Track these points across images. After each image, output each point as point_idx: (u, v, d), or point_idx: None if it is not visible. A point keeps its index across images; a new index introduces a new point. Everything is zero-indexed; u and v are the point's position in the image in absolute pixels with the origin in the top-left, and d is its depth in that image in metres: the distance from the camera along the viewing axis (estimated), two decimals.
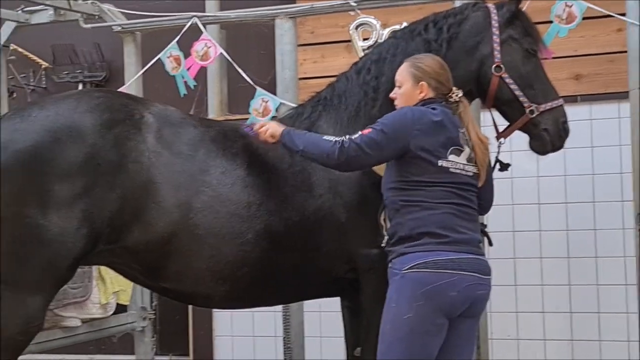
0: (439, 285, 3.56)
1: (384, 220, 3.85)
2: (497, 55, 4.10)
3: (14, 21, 6.10)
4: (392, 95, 3.89)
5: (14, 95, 7.29)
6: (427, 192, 3.65)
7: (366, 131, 3.68)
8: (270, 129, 3.89)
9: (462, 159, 3.71)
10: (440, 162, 3.65)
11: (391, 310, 3.62)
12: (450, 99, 3.80)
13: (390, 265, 3.69)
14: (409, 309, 3.56)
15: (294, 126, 4.11)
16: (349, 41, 5.44)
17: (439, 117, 3.68)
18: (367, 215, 3.97)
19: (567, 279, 6.28)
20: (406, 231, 3.64)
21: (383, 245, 3.78)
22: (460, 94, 3.82)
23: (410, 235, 3.63)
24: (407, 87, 3.82)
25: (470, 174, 3.74)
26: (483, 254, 3.75)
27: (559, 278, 6.28)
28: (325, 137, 3.77)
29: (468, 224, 3.70)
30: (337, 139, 3.71)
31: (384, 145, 3.65)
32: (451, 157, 3.68)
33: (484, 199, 3.89)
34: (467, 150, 3.73)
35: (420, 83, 3.78)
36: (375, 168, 3.86)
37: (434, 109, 3.72)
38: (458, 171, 3.69)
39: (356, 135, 3.68)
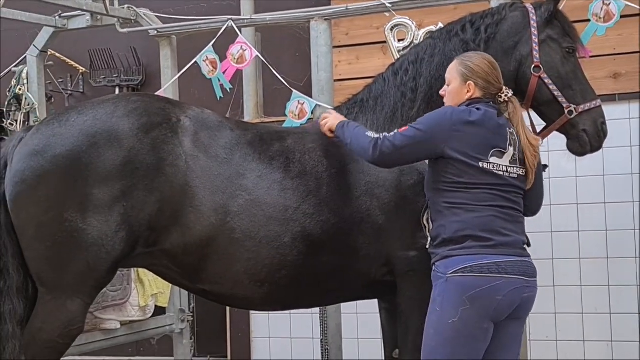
0: (484, 289, 3.53)
1: (427, 220, 3.83)
2: (536, 55, 4.07)
3: (52, 27, 6.15)
4: (441, 92, 3.87)
5: (52, 100, 7.36)
6: (469, 194, 3.62)
7: (403, 129, 3.70)
8: (329, 122, 3.96)
9: (504, 160, 3.67)
10: (481, 164, 3.62)
11: (435, 314, 3.60)
12: (500, 99, 3.77)
13: (434, 267, 3.67)
14: (454, 313, 3.54)
15: None
16: (384, 42, 5.43)
17: (475, 117, 3.65)
18: (404, 217, 3.95)
19: (606, 279, 6.22)
20: (449, 234, 3.62)
21: (427, 246, 3.76)
22: (510, 94, 3.78)
23: (454, 238, 3.60)
24: (455, 85, 3.79)
25: (515, 175, 3.69)
26: (528, 256, 3.72)
27: (598, 278, 6.23)
28: (367, 133, 3.78)
29: (512, 226, 3.67)
30: (375, 135, 3.73)
31: (419, 143, 3.65)
32: (492, 159, 3.64)
33: (531, 201, 3.84)
34: (510, 151, 3.68)
35: (468, 82, 3.75)
36: None
37: (478, 109, 3.69)
38: (501, 173, 3.66)
39: (392, 133, 3.69)
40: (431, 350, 3.61)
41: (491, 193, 3.63)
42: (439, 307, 3.58)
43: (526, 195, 3.78)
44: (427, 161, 3.77)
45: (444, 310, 3.57)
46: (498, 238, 3.60)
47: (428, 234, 3.79)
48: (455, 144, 3.62)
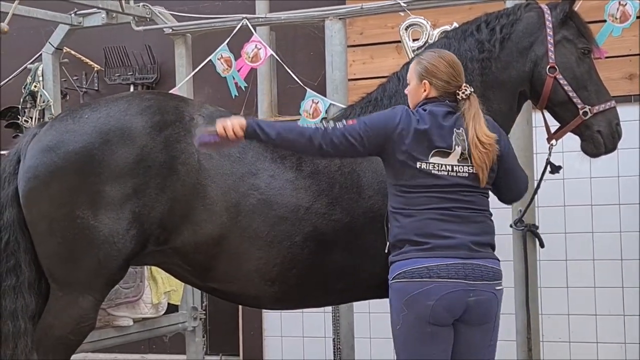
0: (415, 295, 3.50)
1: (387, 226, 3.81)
2: (552, 56, 4.06)
3: (67, 24, 6.17)
4: (405, 91, 3.84)
5: (67, 97, 7.38)
6: (406, 198, 3.57)
7: (351, 121, 3.64)
8: (235, 123, 3.64)
9: (451, 160, 3.58)
10: (419, 164, 3.56)
11: (391, 322, 3.63)
12: (458, 97, 3.68)
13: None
14: (398, 319, 3.57)
15: None
16: (398, 42, 5.43)
17: (420, 119, 3.59)
18: None
19: (619, 281, 6.20)
20: (391, 240, 3.62)
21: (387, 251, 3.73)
22: (469, 91, 3.69)
23: (395, 244, 3.60)
24: (412, 85, 3.75)
25: (466, 174, 3.59)
26: (481, 257, 3.58)
27: (612, 280, 6.20)
28: (303, 125, 3.68)
29: (458, 227, 3.56)
30: (318, 125, 3.64)
31: (365, 138, 3.59)
32: (433, 159, 3.56)
33: (506, 190, 3.78)
34: (458, 150, 3.58)
35: (423, 81, 3.70)
36: None
37: (424, 109, 3.63)
38: (444, 173, 3.56)
39: (341, 124, 3.62)
40: (397, 354, 3.64)
41: (429, 195, 3.55)
42: (390, 314, 3.61)
43: (496, 186, 3.72)
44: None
45: (392, 317, 3.60)
46: (435, 241, 3.52)
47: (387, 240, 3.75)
48: (398, 145, 3.57)
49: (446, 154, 3.57)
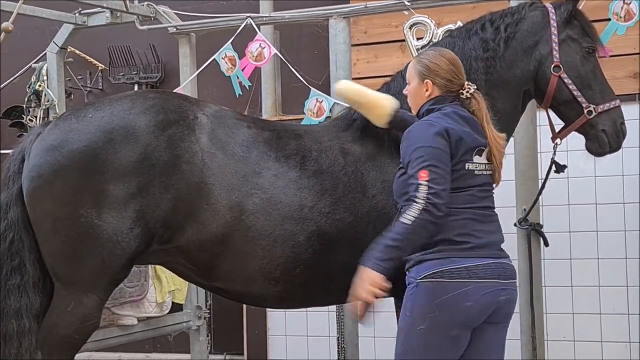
0: (453, 296, 3.41)
1: None
2: (556, 55, 4.07)
3: (72, 24, 6.17)
4: (404, 91, 3.81)
5: (72, 96, 7.38)
6: (450, 197, 3.46)
7: (424, 174, 3.40)
8: (370, 285, 3.40)
9: (483, 158, 3.58)
10: (467, 166, 3.52)
11: (405, 320, 3.51)
12: (462, 96, 3.65)
13: (407, 273, 3.56)
14: (422, 320, 3.44)
15: (350, 126, 4.12)
16: (402, 41, 5.42)
17: (462, 127, 3.52)
18: None
19: (624, 280, 6.19)
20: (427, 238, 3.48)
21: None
22: (472, 90, 3.66)
23: (428, 242, 3.47)
24: (414, 85, 3.69)
25: (489, 172, 3.60)
26: (506, 257, 3.59)
27: (616, 279, 6.19)
28: (404, 217, 3.40)
29: (488, 227, 3.56)
30: (414, 204, 3.38)
31: (445, 173, 3.45)
32: (476, 159, 3.55)
33: None
34: (487, 149, 3.59)
35: (425, 81, 3.64)
36: None
37: (445, 112, 3.56)
38: (479, 173, 3.56)
39: (424, 185, 3.39)
40: (400, 355, 3.52)
41: (470, 194, 3.53)
42: (409, 312, 3.48)
43: None
44: (399, 172, 3.61)
45: (414, 317, 3.46)
46: (473, 241, 3.48)
47: None
48: (454, 155, 3.50)
49: (481, 152, 3.58)
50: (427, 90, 3.66)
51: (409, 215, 3.38)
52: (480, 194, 3.57)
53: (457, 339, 3.48)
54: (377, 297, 3.42)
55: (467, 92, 3.65)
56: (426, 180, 3.39)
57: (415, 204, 3.38)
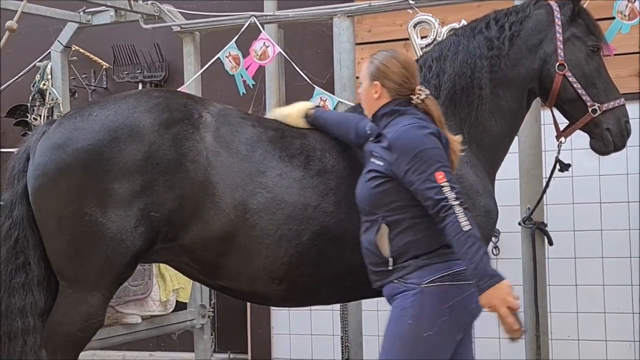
0: (461, 299, 3.35)
1: (385, 240, 3.51)
2: (561, 53, 4.07)
3: (76, 22, 6.18)
4: (358, 91, 3.74)
5: (76, 95, 7.40)
6: None
7: (440, 176, 3.32)
8: (498, 298, 3.22)
9: None
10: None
11: (405, 327, 3.38)
12: (412, 101, 3.52)
13: (399, 280, 3.45)
14: (430, 325, 3.33)
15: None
16: (407, 39, 5.43)
17: (432, 126, 3.45)
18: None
19: (628, 279, 6.20)
20: (423, 247, 3.41)
21: (390, 268, 3.48)
22: (424, 95, 3.53)
23: (428, 250, 3.40)
24: (365, 85, 3.60)
25: None
26: None
27: (621, 278, 6.20)
28: (461, 223, 3.27)
29: None
30: (454, 208, 3.28)
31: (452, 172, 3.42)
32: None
33: None
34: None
35: (374, 82, 3.54)
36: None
37: (421, 117, 3.46)
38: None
39: (448, 189, 3.30)
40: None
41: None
42: (412, 319, 3.35)
43: None
44: (376, 182, 3.48)
45: (420, 323, 3.34)
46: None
47: (389, 255, 3.49)
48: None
49: None
50: (376, 92, 3.56)
51: (462, 221, 3.24)
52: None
53: (455, 342, 3.42)
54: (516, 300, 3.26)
55: (418, 97, 3.52)
56: (446, 181, 3.30)
57: (450, 208, 3.26)
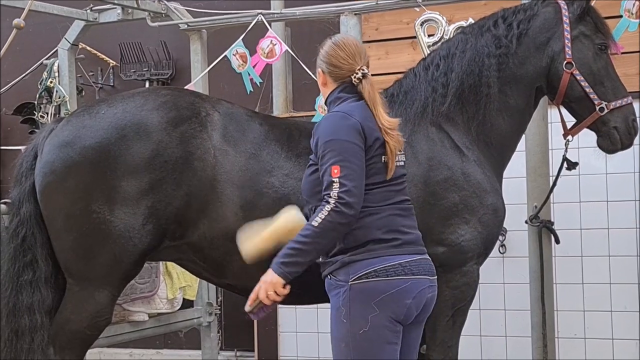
0: (392, 293, 3.27)
1: None
2: (568, 51, 4.07)
3: (83, 20, 6.19)
4: None
5: (83, 92, 7.40)
6: (371, 195, 3.31)
7: (335, 170, 3.25)
8: (267, 283, 3.34)
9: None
10: (383, 158, 3.34)
11: (343, 327, 3.32)
12: (354, 81, 3.40)
13: (330, 277, 3.40)
14: (364, 322, 3.27)
15: None
16: (414, 38, 5.42)
17: (369, 122, 3.33)
18: (433, 213, 3.93)
19: (635, 277, 6.17)
20: (351, 242, 3.32)
21: (321, 260, 3.44)
22: (360, 74, 3.39)
23: (354, 244, 3.32)
24: (318, 75, 3.54)
25: (401, 163, 3.43)
26: (426, 252, 3.45)
27: (628, 276, 6.17)
28: (313, 218, 3.26)
29: (411, 222, 3.42)
30: (326, 205, 3.23)
31: (359, 168, 3.28)
32: (384, 151, 3.34)
33: None
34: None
35: (318, 70, 3.50)
36: None
37: (359, 103, 3.36)
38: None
39: (335, 183, 3.24)
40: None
41: (388, 189, 3.36)
42: (346, 318, 3.29)
43: None
44: (310, 170, 3.43)
45: (353, 321, 3.28)
46: (402, 237, 3.34)
47: None
48: (368, 149, 3.32)
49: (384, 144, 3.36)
50: (321, 80, 3.51)
51: (318, 217, 3.23)
52: (397, 188, 3.39)
53: (399, 333, 3.34)
54: (275, 302, 3.37)
55: (355, 76, 3.40)
56: (338, 177, 3.24)
57: (327, 204, 3.24)
